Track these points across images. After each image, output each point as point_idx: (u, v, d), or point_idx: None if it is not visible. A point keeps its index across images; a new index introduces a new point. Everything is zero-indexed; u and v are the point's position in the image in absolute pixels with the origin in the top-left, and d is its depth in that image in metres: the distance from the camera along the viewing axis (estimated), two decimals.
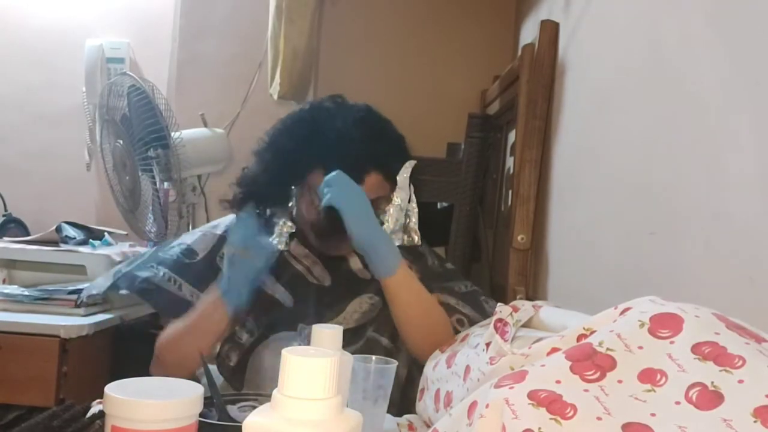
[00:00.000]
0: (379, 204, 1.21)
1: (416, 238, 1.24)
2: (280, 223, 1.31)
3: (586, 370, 0.55)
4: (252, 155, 1.33)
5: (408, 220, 1.25)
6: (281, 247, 1.28)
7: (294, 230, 1.31)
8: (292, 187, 1.29)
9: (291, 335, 1.21)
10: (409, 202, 1.26)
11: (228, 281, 1.14)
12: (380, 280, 1.15)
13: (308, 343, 1.16)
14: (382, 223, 1.19)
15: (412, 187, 1.27)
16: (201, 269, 1.28)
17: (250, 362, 1.23)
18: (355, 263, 1.30)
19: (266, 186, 1.30)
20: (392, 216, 1.21)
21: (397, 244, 1.20)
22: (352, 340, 1.20)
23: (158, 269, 1.27)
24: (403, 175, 1.25)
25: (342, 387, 0.68)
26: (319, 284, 1.28)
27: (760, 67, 0.73)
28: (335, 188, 1.13)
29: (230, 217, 1.38)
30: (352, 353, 1.19)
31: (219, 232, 1.35)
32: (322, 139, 1.23)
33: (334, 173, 1.14)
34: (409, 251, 1.25)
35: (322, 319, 1.22)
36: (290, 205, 1.33)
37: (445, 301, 1.24)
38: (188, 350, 1.16)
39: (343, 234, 1.15)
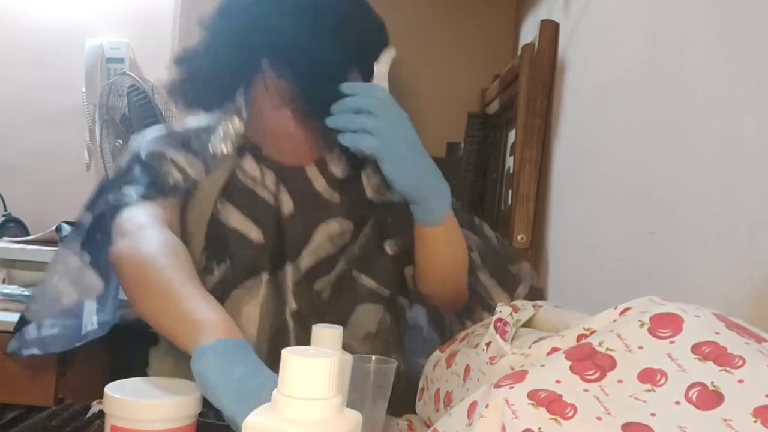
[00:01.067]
0: None
1: None
2: (227, 121, 1.10)
3: (586, 370, 0.55)
4: (200, 28, 1.05)
5: None
6: (226, 150, 1.08)
7: (244, 135, 1.10)
8: (247, 77, 1.04)
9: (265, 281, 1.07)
10: None
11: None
12: (421, 228, 0.98)
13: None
14: None
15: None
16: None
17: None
18: (319, 182, 1.12)
19: (214, 67, 1.03)
20: None
21: None
22: (325, 270, 1.09)
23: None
24: (382, 64, 1.04)
25: (342, 387, 0.68)
26: (281, 212, 1.10)
27: (761, 67, 0.73)
28: (376, 131, 0.90)
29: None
30: (328, 286, 1.09)
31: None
32: (295, 9, 1.00)
33: (368, 86, 0.93)
34: None
35: (295, 256, 1.10)
36: (240, 104, 1.11)
37: None
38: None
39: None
